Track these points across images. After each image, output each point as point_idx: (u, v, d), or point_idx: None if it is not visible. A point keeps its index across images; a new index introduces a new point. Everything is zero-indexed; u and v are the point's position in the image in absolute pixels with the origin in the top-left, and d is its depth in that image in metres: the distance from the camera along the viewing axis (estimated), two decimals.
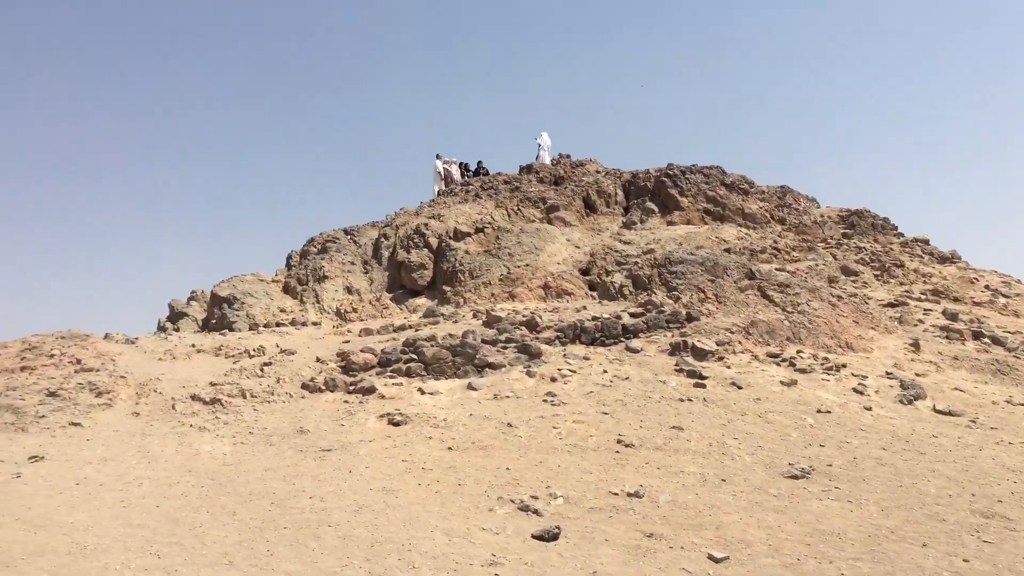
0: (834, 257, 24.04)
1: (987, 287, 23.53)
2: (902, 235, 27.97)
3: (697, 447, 10.46)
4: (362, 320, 21.86)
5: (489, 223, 23.74)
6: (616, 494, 8.89)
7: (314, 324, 21.42)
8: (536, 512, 8.41)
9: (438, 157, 31.83)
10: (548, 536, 7.67)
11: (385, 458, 10.52)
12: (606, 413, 11.92)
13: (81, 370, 15.46)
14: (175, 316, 25.20)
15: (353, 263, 25.65)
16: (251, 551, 7.37)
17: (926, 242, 27.39)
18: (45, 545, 7.44)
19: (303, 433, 11.71)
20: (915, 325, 18.68)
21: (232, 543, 7.58)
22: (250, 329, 21.44)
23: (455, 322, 18.71)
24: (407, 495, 9.07)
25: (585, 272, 21.90)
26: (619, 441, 10.63)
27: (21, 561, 7.04)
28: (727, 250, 22.11)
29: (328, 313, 23.30)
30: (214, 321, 22.95)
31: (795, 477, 9.42)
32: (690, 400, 12.54)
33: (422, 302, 22.35)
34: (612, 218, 27.26)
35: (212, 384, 14.11)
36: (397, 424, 12.00)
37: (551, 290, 20.73)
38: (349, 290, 24.37)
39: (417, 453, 10.64)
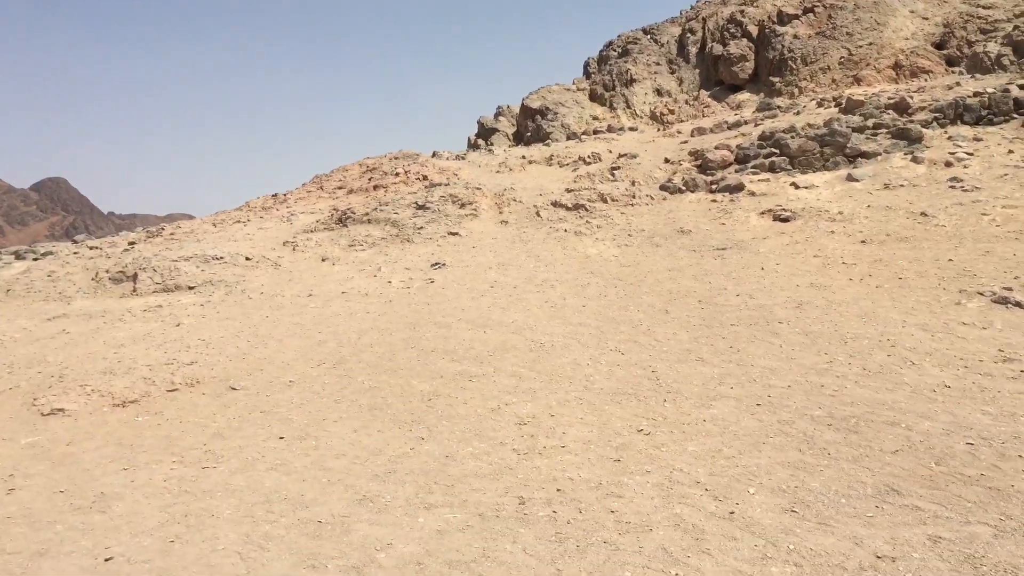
0: None
1: None
2: None
3: None
4: (681, 121, 20.74)
5: (818, 1, 21.10)
6: None
7: (631, 129, 20.65)
8: (1019, 304, 7.26)
9: None
10: None
11: (792, 254, 9.69)
12: None
13: (431, 185, 15.92)
14: (486, 132, 25.56)
15: (658, 63, 24.28)
16: (712, 347, 6.96)
17: None
18: (503, 343, 7.52)
19: (685, 233, 11.16)
20: None
21: (687, 340, 7.23)
22: (568, 138, 21.13)
23: (796, 113, 17.05)
24: (843, 291, 8.23)
25: (939, 46, 18.98)
26: None
27: (491, 357, 7.13)
28: None
29: (642, 117, 22.39)
30: (528, 134, 22.92)
31: None
32: None
33: (745, 97, 20.71)
34: None
35: (568, 191, 13.91)
36: (785, 220, 11.08)
37: (903, 69, 18.22)
38: (659, 92, 23.18)
39: (827, 248, 9.70)
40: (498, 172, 17.17)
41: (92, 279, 11.55)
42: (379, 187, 17.49)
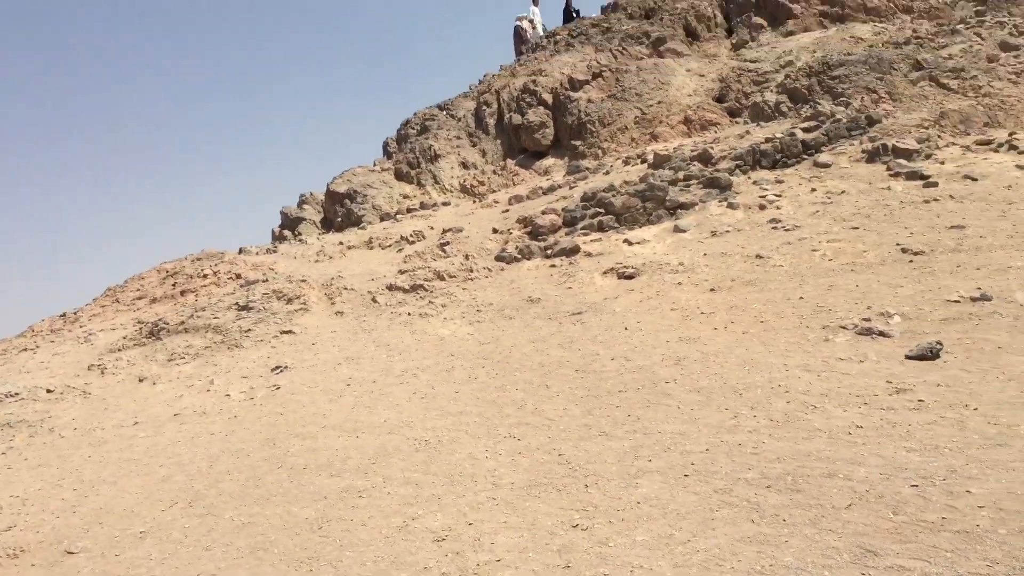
0: (980, 36, 21.90)
1: None
2: None
3: (999, 241, 9.34)
4: (493, 191, 20.82)
5: (606, 66, 22.11)
6: (956, 301, 7.88)
7: (444, 204, 20.47)
8: (883, 334, 7.48)
9: (521, 18, 29.83)
10: (931, 354, 6.73)
11: (648, 310, 9.65)
12: (856, 228, 10.82)
13: (247, 283, 14.86)
14: (291, 223, 24.47)
15: (459, 137, 24.41)
16: (610, 419, 6.61)
17: None
18: (383, 447, 6.79)
19: (535, 302, 10.90)
20: None
21: (580, 414, 6.83)
22: (382, 220, 20.61)
23: (606, 173, 17.55)
24: (714, 341, 8.20)
25: (719, 99, 20.35)
26: (903, 251, 9.55)
27: (375, 466, 6.39)
28: (870, 48, 20.22)
29: (452, 191, 22.31)
30: (339, 219, 22.15)
31: None
32: (936, 200, 11.33)
33: (551, 162, 21.14)
34: (718, 42, 25.19)
35: (401, 272, 13.35)
36: (630, 277, 11.10)
37: (694, 123, 19.33)
38: (465, 165, 23.26)
39: (680, 300, 9.74)
40: (318, 261, 16.34)
41: None
42: (187, 292, 16.12)
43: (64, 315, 18.44)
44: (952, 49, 20.60)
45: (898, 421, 5.60)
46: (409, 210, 20.45)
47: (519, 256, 13.13)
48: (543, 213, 14.29)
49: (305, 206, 24.88)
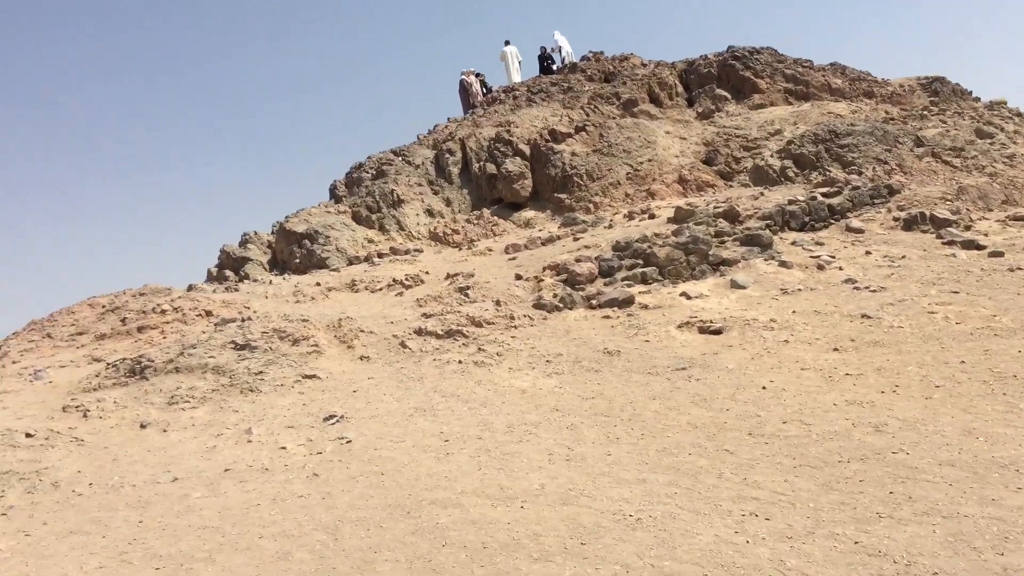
0: (945, 123, 22.46)
1: None
2: (979, 99, 26.72)
3: None
4: (471, 240, 19.40)
5: (586, 121, 21.33)
6: None
7: (417, 251, 18.92)
8: None
9: (467, 73, 29.19)
10: None
11: (771, 369, 8.46)
12: (956, 292, 10.07)
13: (224, 321, 12.86)
14: (235, 262, 22.18)
15: (420, 184, 22.98)
16: (873, 496, 5.28)
17: (1004, 104, 26.12)
18: (575, 521, 5.20)
19: (613, 354, 9.53)
20: None
21: (815, 489, 5.48)
22: (351, 263, 18.80)
23: (607, 227, 16.51)
24: (897, 406, 7.07)
25: (707, 162, 19.84)
26: None
27: (585, 547, 4.81)
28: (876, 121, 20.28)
29: (420, 238, 20.73)
30: (297, 260, 20.12)
31: None
32: (1020, 268, 10.76)
33: (531, 214, 19.95)
34: (681, 110, 25.04)
35: (427, 316, 11.71)
36: (716, 332, 9.91)
37: (689, 184, 18.65)
38: (430, 212, 21.79)
39: (804, 359, 8.61)
40: (298, 302, 14.47)
41: None
42: (146, 328, 13.92)
43: None
44: (927, 132, 20.90)
45: None
46: (380, 255, 18.73)
47: (560, 305, 11.75)
48: (577, 261, 12.99)
49: (249, 245, 22.64)
